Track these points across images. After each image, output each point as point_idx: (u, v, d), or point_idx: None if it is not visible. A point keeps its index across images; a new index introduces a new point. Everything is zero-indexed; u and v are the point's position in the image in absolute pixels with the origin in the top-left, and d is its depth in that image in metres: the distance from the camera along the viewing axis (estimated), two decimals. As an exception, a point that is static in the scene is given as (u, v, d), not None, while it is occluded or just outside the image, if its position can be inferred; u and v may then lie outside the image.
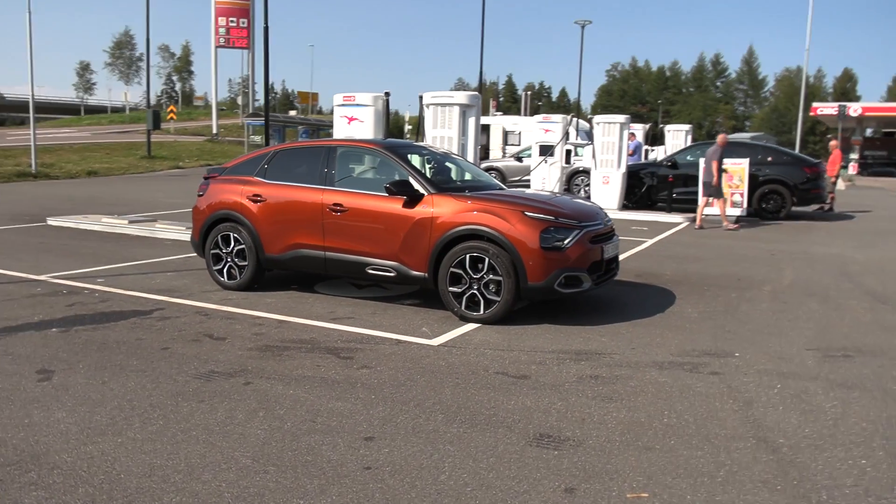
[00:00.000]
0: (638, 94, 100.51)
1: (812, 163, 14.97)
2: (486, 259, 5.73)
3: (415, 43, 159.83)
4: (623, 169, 15.17)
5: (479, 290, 5.80)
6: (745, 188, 13.90)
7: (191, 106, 79.44)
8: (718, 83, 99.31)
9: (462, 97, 9.00)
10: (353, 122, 9.57)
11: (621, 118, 15.08)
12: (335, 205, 6.38)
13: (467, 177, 7.02)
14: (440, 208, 5.96)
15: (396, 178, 6.18)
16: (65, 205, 15.06)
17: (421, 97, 9.52)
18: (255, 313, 6.13)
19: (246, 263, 6.94)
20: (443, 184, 6.34)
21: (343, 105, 9.64)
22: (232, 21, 40.67)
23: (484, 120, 32.28)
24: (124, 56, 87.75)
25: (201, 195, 7.31)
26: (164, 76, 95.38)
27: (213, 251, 7.13)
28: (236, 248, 6.98)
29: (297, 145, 7.21)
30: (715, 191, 12.98)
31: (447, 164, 7.11)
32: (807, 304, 6.92)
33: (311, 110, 67.97)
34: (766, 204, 14.68)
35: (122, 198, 17.39)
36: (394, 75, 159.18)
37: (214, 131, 41.84)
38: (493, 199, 6.02)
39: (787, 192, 14.48)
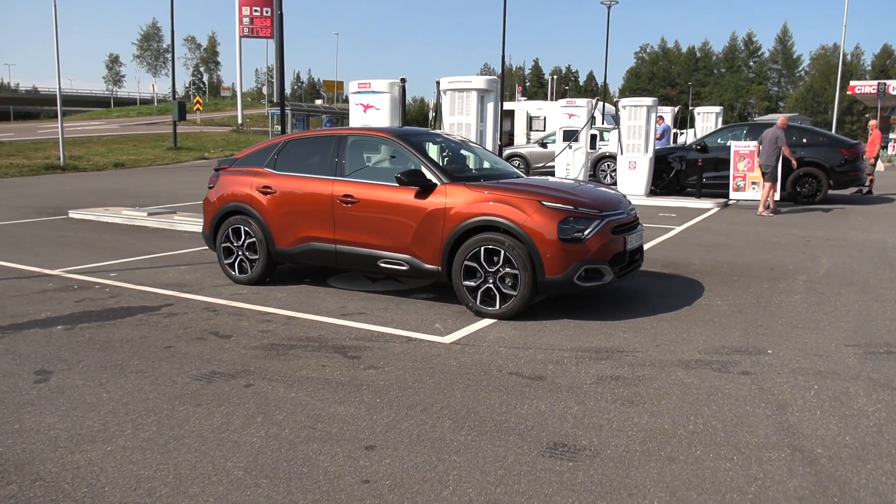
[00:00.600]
0: (667, 77, 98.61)
1: (850, 144, 14.34)
2: (502, 251, 5.45)
3: (440, 28, 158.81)
4: (650, 154, 14.72)
5: (494, 283, 5.54)
6: (778, 172, 13.34)
7: (218, 97, 79.95)
8: (751, 63, 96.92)
9: (480, 82, 8.69)
10: (369, 109, 9.34)
11: (648, 101, 14.60)
12: (345, 196, 6.15)
13: (485, 165, 6.74)
14: (453, 198, 5.69)
15: (409, 167, 5.92)
16: (89, 197, 15.11)
17: (438, 83, 9.24)
18: (264, 309, 5.95)
19: (257, 257, 6.76)
20: (457, 173, 6.07)
21: (358, 93, 9.40)
22: (256, 10, 40.60)
23: (508, 105, 31.86)
24: (152, 48, 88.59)
25: (212, 187, 7.14)
26: (192, 67, 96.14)
27: (223, 244, 6.97)
28: (247, 242, 6.80)
29: (307, 135, 6.99)
30: (771, 174, 12.50)
31: (463, 152, 6.83)
32: (845, 294, 6.52)
33: (336, 99, 67.95)
34: (800, 188, 14.12)
35: (146, 189, 17.42)
36: (419, 62, 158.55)
37: (240, 121, 41.97)
38: (508, 188, 5.74)
39: (822, 175, 13.89)
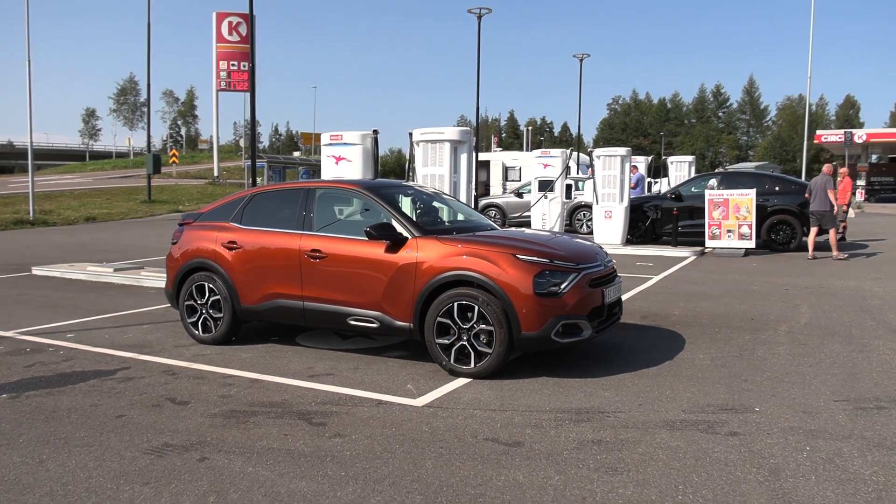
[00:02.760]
0: (640, 127, 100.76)
1: (821, 192, 14.45)
2: (476, 307, 5.23)
3: (418, 80, 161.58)
4: (626, 203, 14.73)
5: (468, 341, 5.30)
6: (752, 219, 13.41)
7: (196, 149, 79.90)
8: (720, 113, 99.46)
9: (453, 133, 8.61)
10: (342, 161, 9.19)
11: (622, 151, 14.69)
12: (313, 251, 5.92)
13: (458, 217, 6.56)
14: (425, 252, 5.49)
15: (380, 220, 5.73)
16: (55, 252, 14.70)
17: (410, 134, 9.15)
18: (226, 371, 5.63)
19: (221, 315, 6.46)
20: (428, 226, 5.88)
21: (330, 144, 9.27)
22: (233, 64, 40.89)
23: (484, 156, 32.09)
24: (129, 102, 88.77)
25: (175, 243, 6.87)
26: (170, 121, 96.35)
27: (187, 302, 6.67)
28: (211, 299, 6.52)
29: (275, 188, 6.79)
30: (830, 220, 12.75)
31: (435, 204, 6.66)
32: (828, 345, 6.37)
33: (314, 151, 68.26)
34: (775, 235, 14.17)
35: (116, 244, 17.03)
36: (397, 113, 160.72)
37: (216, 174, 41.81)
38: (481, 241, 5.55)
39: (796, 222, 13.97)
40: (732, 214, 13.56)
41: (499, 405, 4.72)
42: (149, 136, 32.35)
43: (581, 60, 31.66)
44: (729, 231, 13.61)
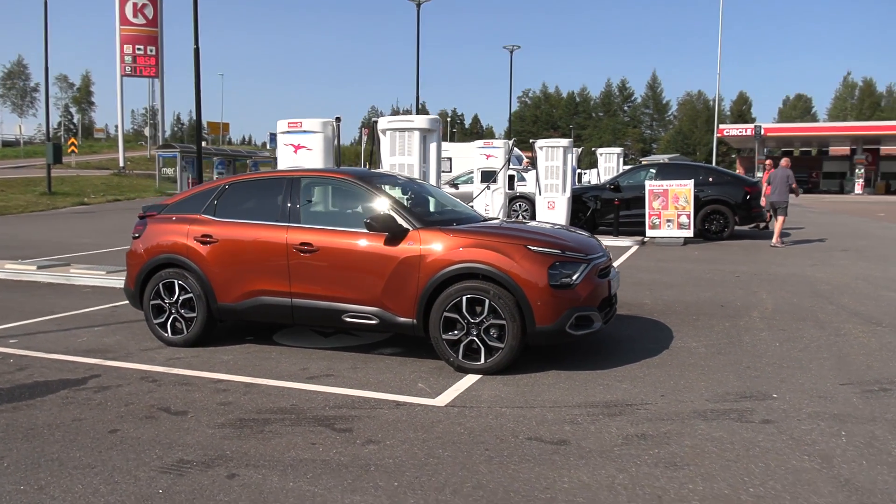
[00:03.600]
0: (550, 120, 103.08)
1: (751, 182, 15.20)
2: (487, 301, 5.04)
3: (326, 70, 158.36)
4: (568, 193, 14.90)
5: (478, 336, 5.10)
6: (690, 209, 13.87)
7: (91, 139, 75.08)
8: (626, 107, 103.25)
9: (423, 121, 8.35)
10: (301, 150, 8.73)
11: (564, 142, 14.85)
12: (303, 244, 5.54)
13: (448, 208, 6.33)
14: (429, 245, 5.24)
15: (378, 211, 5.42)
16: (-43, 250, 13.31)
17: (375, 122, 8.82)
18: (213, 375, 5.19)
19: (195, 315, 5.97)
20: (426, 216, 5.62)
21: (288, 132, 8.79)
22: (139, 49, 38.44)
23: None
24: (17, 87, 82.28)
25: (137, 237, 6.29)
26: (62, 107, 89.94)
27: (153, 302, 6.11)
28: (182, 298, 6.00)
29: (251, 177, 6.32)
30: (784, 209, 13.63)
31: (424, 194, 6.40)
32: (805, 330, 6.59)
33: (221, 141, 65.56)
34: (709, 224, 14.71)
35: (23, 239, 15.64)
36: (306, 105, 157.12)
37: (121, 164, 39.36)
38: (489, 232, 5.36)
39: (729, 212, 14.57)
40: (672, 205, 13.97)
41: (523, 402, 4.55)
42: (48, 124, 30.02)
43: (511, 52, 31.90)
44: (668, 221, 14.02)
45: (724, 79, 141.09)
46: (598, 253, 5.52)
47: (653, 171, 15.66)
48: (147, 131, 46.62)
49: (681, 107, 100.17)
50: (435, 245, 5.22)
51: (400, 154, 8.29)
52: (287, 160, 8.86)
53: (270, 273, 5.67)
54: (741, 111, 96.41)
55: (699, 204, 14.53)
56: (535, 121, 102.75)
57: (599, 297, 5.28)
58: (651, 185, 14.19)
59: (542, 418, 4.24)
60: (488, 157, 15.39)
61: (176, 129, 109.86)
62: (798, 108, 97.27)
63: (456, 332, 5.15)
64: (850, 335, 6.37)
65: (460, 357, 5.16)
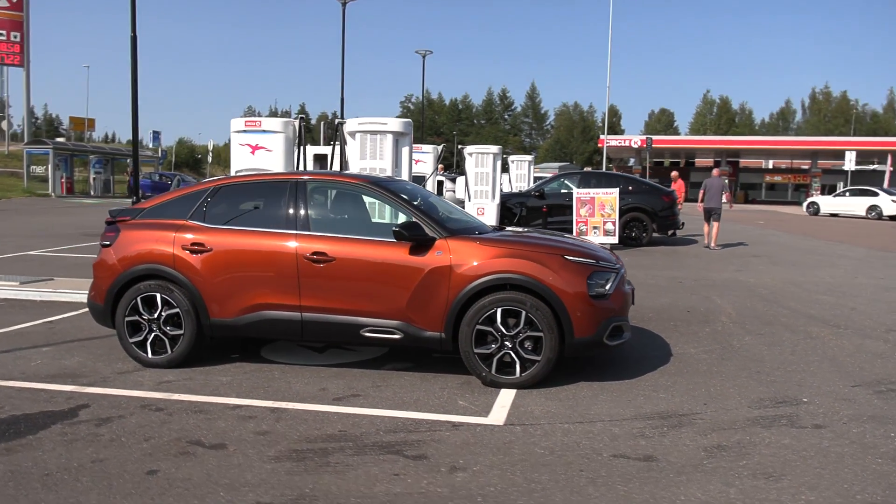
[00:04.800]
0: (433, 126, 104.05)
1: (667, 191, 15.97)
2: (523, 312, 4.88)
3: (195, 72, 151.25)
4: (497, 199, 15.00)
5: (513, 349, 4.93)
6: (616, 216, 14.37)
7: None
8: (506, 116, 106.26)
9: (396, 124, 8.05)
10: (259, 150, 8.17)
11: (494, 149, 14.94)
12: (316, 254, 5.13)
13: (456, 216, 6.08)
14: (459, 254, 5.00)
15: (404, 219, 5.11)
16: None
17: (340, 124, 8.41)
18: (226, 401, 4.67)
19: (181, 332, 5.37)
20: (449, 224, 5.37)
21: (245, 132, 8.20)
22: (1, 34, 34.66)
23: (320, 150, 30.80)
24: None
25: (108, 244, 5.57)
26: None
27: (129, 318, 5.43)
28: (166, 314, 5.38)
29: (246, 180, 5.76)
30: (719, 215, 15.05)
31: (432, 201, 6.12)
32: (780, 334, 6.94)
33: (85, 138, 60.66)
34: (629, 231, 15.32)
35: None
36: (175, 104, 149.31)
37: (-25, 161, 35.37)
38: (522, 241, 5.21)
39: (648, 220, 15.24)
40: (598, 212, 14.41)
41: (578, 416, 4.43)
42: None
43: (424, 57, 31.81)
44: (595, 228, 14.45)
45: (596, 92, 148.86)
46: (619, 263, 5.51)
47: (576, 179, 16.09)
48: (4, 125, 42.14)
49: (558, 117, 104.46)
50: (466, 255, 5.00)
51: (371, 157, 7.94)
52: (243, 161, 8.26)
53: (276, 285, 5.20)
54: (612, 123, 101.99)
55: (620, 212, 15.07)
56: (418, 126, 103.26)
57: (628, 306, 5.27)
58: (578, 193, 14.57)
59: (611, 434, 4.14)
60: (417, 161, 15.16)
61: (30, 123, 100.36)
62: (662, 121, 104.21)
63: (487, 346, 4.95)
64: (822, 338, 6.78)
65: (493, 371, 4.96)
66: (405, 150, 8.06)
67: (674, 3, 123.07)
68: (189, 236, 5.36)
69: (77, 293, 8.32)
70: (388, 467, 3.62)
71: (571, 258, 5.03)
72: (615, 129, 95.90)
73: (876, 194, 31.52)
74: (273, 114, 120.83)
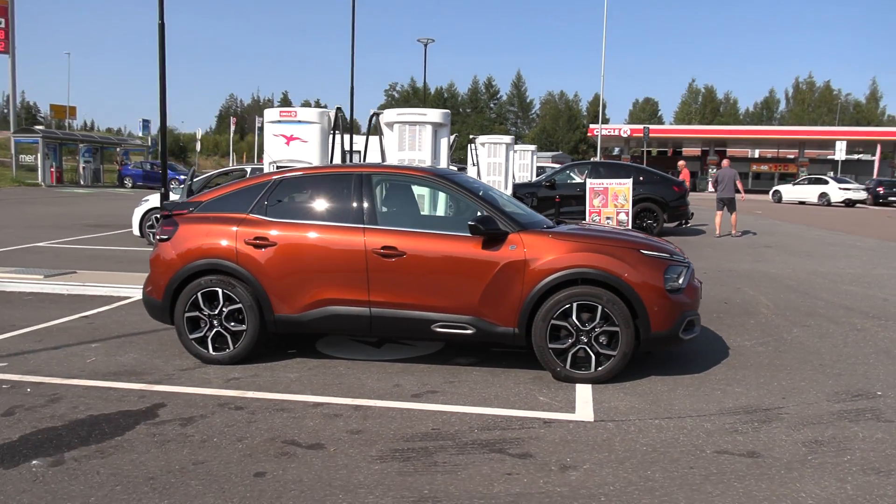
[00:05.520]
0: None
1: (678, 182, 16.03)
2: (599, 307, 4.85)
3: (180, 56, 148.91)
4: (510, 189, 14.96)
5: (588, 343, 4.90)
6: (629, 207, 14.40)
7: None
8: (492, 105, 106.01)
9: (436, 115, 7.95)
10: (294, 141, 8.04)
11: (507, 139, 14.88)
12: (386, 248, 5.05)
13: (517, 209, 6.00)
14: (533, 249, 4.95)
15: (478, 213, 5.05)
16: None
17: (376, 114, 8.29)
18: (302, 398, 4.59)
19: (244, 328, 5.27)
20: (520, 218, 5.30)
21: (280, 122, 8.06)
22: (-17, 19, 33.79)
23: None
24: None
25: (166, 238, 5.44)
26: None
27: (189, 314, 5.33)
28: (228, 309, 5.28)
29: (308, 173, 5.63)
30: (733, 204, 15.38)
31: (494, 194, 6.03)
32: (825, 326, 6.98)
33: (67, 126, 59.56)
34: (641, 221, 15.36)
35: None
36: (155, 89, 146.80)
37: (-40, 149, 34.62)
38: (596, 235, 5.17)
39: (659, 210, 15.29)
40: (612, 202, 14.42)
41: (664, 412, 4.42)
42: None
43: (426, 45, 31.64)
44: (608, 218, 14.46)
45: (583, 82, 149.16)
46: (686, 257, 5.49)
47: (586, 169, 16.10)
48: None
49: (543, 106, 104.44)
50: (540, 249, 4.95)
51: (410, 149, 7.85)
52: (277, 151, 8.13)
53: (344, 280, 5.12)
54: (597, 112, 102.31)
55: (632, 202, 15.11)
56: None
57: (699, 300, 5.26)
58: (591, 184, 14.57)
59: (705, 429, 4.13)
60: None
61: (5, 110, 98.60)
62: (646, 110, 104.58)
63: (561, 340, 4.92)
64: (869, 330, 6.83)
65: (568, 366, 4.93)
66: (444, 141, 7.98)
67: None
68: (252, 230, 5.26)
69: (106, 286, 8.18)
70: (498, 466, 3.58)
71: (647, 252, 5.00)
72: (600, 117, 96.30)
73: (826, 182, 34.45)
74: (255, 101, 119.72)
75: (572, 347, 4.92)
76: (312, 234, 5.21)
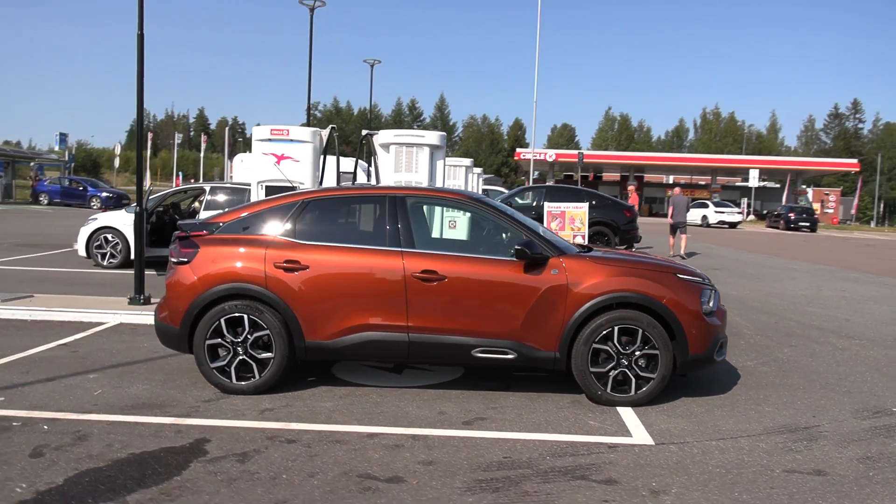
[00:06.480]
0: (342, 135, 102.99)
1: (629, 206, 16.57)
2: (640, 330, 4.93)
3: (92, 72, 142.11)
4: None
5: (629, 367, 4.96)
6: (585, 231, 14.74)
7: None
8: (415, 126, 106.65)
9: (433, 137, 7.92)
10: (285, 160, 7.81)
11: (466, 161, 14.97)
12: (426, 272, 4.95)
13: (546, 234, 5.99)
14: (575, 273, 4.98)
15: (522, 237, 5.04)
16: None
17: (369, 135, 8.18)
18: (352, 429, 4.41)
19: (271, 355, 5.03)
20: (557, 242, 5.33)
21: (270, 140, 7.81)
22: None
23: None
24: None
25: (186, 262, 5.14)
26: None
27: (210, 341, 5.04)
28: (254, 336, 5.03)
29: (338, 194, 5.44)
30: (685, 227, 16.61)
31: (521, 219, 6.01)
32: (810, 346, 7.35)
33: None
34: (593, 244, 15.75)
35: None
36: (67, 106, 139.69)
37: None
38: (633, 260, 5.26)
39: (611, 233, 15.74)
40: (568, 225, 14.72)
41: (715, 433, 4.52)
42: None
43: (372, 66, 31.49)
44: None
45: (503, 107, 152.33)
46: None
47: (542, 192, 16.40)
48: None
49: (466, 129, 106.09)
50: (582, 273, 4.99)
51: (407, 171, 7.78)
52: (265, 171, 7.87)
53: (382, 305, 4.98)
54: (517, 136, 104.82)
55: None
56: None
57: (726, 322, 5.43)
58: (549, 207, 14.83)
59: (763, 449, 4.25)
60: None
61: None
62: (564, 135, 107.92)
63: (602, 364, 4.96)
64: (850, 350, 7.24)
65: (609, 390, 4.97)
66: (440, 163, 7.94)
67: (575, 20, 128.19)
68: (283, 253, 5.04)
69: (74, 311, 7.64)
70: (591, 494, 3.55)
71: (683, 276, 5.13)
72: (521, 142, 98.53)
73: (707, 206, 40.36)
74: (170, 117, 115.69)
75: (612, 371, 4.97)
76: (348, 258, 5.05)
